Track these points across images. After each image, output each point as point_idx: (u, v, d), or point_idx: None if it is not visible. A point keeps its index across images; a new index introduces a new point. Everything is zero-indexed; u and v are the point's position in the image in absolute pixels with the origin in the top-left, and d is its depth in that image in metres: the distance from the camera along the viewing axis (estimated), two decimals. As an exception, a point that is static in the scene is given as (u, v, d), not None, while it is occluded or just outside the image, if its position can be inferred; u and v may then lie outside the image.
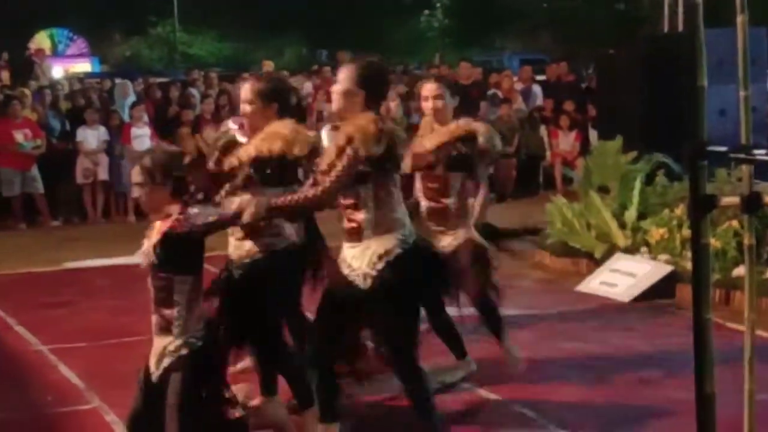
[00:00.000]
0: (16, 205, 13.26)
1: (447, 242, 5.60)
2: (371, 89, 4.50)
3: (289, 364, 4.98)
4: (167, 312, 4.16)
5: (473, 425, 5.32)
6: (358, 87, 4.46)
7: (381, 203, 4.43)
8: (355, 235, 4.46)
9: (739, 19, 2.68)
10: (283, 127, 4.89)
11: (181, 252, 4.15)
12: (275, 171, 4.83)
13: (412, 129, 6.12)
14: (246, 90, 5.03)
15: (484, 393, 5.66)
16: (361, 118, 4.40)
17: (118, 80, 17.68)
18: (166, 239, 4.12)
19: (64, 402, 5.77)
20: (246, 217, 4.24)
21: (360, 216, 4.43)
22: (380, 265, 4.40)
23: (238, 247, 4.92)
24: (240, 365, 5.52)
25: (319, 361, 4.63)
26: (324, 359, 4.63)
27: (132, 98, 14.86)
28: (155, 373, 4.17)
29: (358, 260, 4.44)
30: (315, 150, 4.92)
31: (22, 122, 13.36)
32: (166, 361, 4.15)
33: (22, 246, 11.74)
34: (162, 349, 4.16)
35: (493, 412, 5.43)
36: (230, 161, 4.98)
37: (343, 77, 4.52)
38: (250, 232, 4.78)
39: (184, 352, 4.13)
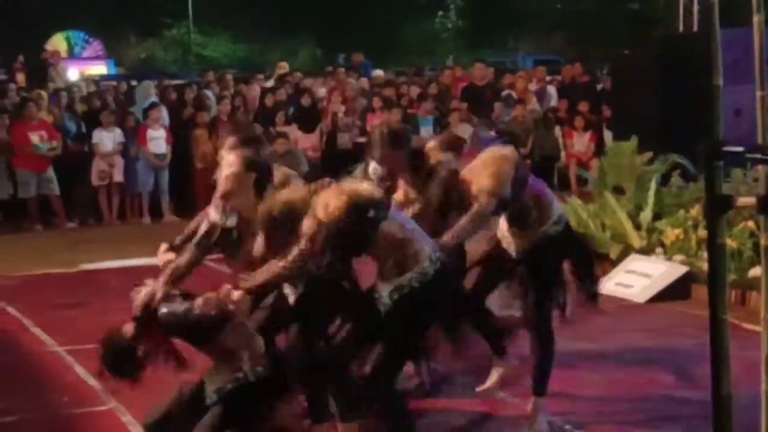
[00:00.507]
0: (32, 207, 13.31)
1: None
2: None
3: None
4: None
5: (488, 426, 5.32)
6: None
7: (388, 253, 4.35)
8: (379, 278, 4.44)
9: (756, 18, 2.67)
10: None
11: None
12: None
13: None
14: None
15: (497, 394, 5.65)
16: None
17: (136, 82, 17.73)
18: None
19: (80, 403, 5.79)
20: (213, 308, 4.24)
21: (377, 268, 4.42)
22: (395, 296, 4.34)
23: None
24: None
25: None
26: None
27: (154, 99, 14.91)
28: (210, 396, 4.24)
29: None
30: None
31: (37, 124, 13.42)
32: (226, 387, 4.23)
33: (38, 247, 11.79)
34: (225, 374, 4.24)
35: (508, 412, 5.42)
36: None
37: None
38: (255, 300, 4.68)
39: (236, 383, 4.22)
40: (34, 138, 13.24)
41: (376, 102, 14.25)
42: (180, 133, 14.15)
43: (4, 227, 13.24)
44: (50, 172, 13.37)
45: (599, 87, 16.46)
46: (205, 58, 38.17)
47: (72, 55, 34.38)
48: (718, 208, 2.59)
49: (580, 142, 14.81)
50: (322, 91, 15.95)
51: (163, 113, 14.54)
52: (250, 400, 4.25)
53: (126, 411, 5.51)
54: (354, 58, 20.95)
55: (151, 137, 13.73)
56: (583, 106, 15.10)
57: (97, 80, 20.19)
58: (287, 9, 37.37)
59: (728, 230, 7.23)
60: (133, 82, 17.94)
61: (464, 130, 10.25)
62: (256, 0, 37.73)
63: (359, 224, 4.25)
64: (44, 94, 14.79)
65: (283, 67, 18.63)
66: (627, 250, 8.78)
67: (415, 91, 15.34)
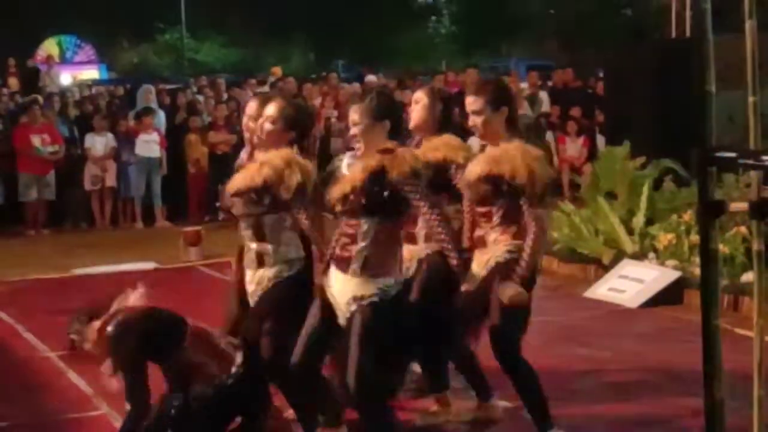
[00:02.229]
0: (30, 211, 13.30)
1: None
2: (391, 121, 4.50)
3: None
4: None
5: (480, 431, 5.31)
6: (376, 120, 4.44)
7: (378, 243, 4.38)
8: (344, 264, 4.44)
9: (748, 24, 2.67)
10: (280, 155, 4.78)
11: None
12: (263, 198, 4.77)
13: None
14: (271, 108, 4.91)
15: (493, 399, 5.64)
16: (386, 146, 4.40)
17: (129, 87, 17.72)
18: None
19: (72, 408, 5.77)
20: None
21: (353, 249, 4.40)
22: (353, 307, 4.38)
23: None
24: None
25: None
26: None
27: (154, 104, 14.90)
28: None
29: (339, 295, 4.45)
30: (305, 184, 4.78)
31: (41, 127, 13.42)
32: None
33: (30, 252, 11.76)
34: None
35: (501, 418, 5.42)
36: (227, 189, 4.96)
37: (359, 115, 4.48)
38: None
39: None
40: (36, 141, 13.23)
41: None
42: (172, 137, 14.15)
43: (-4, 232, 13.23)
44: (50, 177, 13.38)
45: (591, 92, 16.49)
46: (198, 62, 38.19)
47: (64, 60, 34.38)
48: (710, 213, 2.59)
49: (573, 147, 14.84)
50: (316, 96, 15.93)
51: (161, 117, 14.55)
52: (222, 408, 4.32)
53: (118, 416, 5.48)
54: (365, 72, 20.93)
55: (144, 141, 13.73)
56: (575, 112, 15.13)
57: (89, 85, 20.18)
58: (280, 14, 37.41)
59: (721, 236, 7.26)
60: (126, 87, 17.93)
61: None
62: (249, 5, 37.74)
63: None
64: (41, 98, 14.80)
65: (277, 72, 18.62)
66: (619, 255, 8.79)
67: (407, 96, 15.34)
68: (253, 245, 4.84)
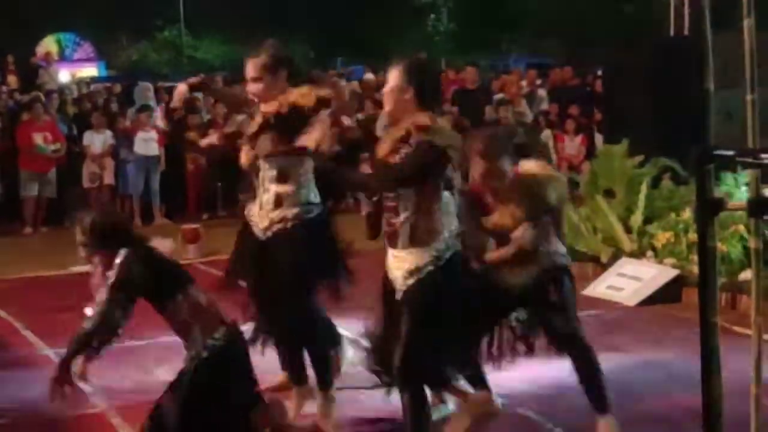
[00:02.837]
0: (28, 208, 13.30)
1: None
2: (422, 85, 4.34)
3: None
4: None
5: (479, 429, 5.31)
6: (408, 84, 4.32)
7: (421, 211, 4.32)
8: (394, 239, 4.40)
9: (746, 22, 2.67)
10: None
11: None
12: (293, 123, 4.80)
13: None
14: (250, 69, 5.00)
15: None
16: (421, 116, 4.28)
17: (128, 84, 17.72)
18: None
19: (70, 407, 5.77)
20: None
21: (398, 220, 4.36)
22: (410, 281, 4.34)
23: None
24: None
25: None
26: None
27: (153, 102, 14.91)
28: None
29: (395, 270, 4.40)
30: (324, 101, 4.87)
31: (43, 125, 13.41)
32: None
33: (29, 250, 11.76)
34: None
35: (498, 415, 5.41)
36: (252, 125, 5.00)
37: (392, 75, 4.40)
38: None
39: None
40: (38, 139, 13.23)
41: (368, 105, 14.27)
42: (171, 135, 14.16)
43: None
44: (51, 175, 13.38)
45: (590, 90, 16.49)
46: (197, 60, 38.14)
47: (63, 57, 34.32)
48: (708, 211, 2.59)
49: (571, 146, 14.83)
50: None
51: (159, 115, 14.56)
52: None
53: (117, 413, 5.50)
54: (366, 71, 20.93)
55: (142, 139, 13.73)
56: (574, 110, 15.13)
57: (88, 82, 20.17)
58: (280, 11, 37.37)
59: (719, 234, 7.25)
60: (124, 84, 17.92)
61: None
62: (248, 2, 37.71)
63: None
64: (42, 95, 14.81)
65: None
66: (618, 254, 8.80)
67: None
68: (273, 186, 4.88)
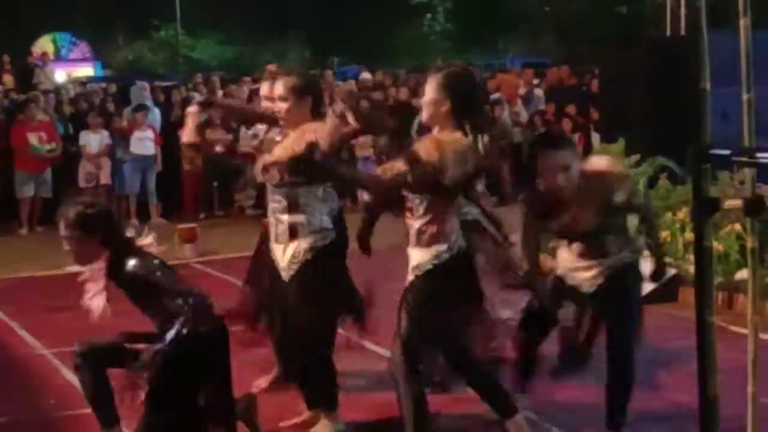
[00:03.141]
0: (24, 209, 13.29)
1: None
2: (459, 98, 4.43)
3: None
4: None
5: (474, 427, 5.31)
6: (445, 96, 4.43)
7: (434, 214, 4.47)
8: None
9: (742, 22, 2.68)
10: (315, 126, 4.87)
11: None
12: (306, 169, 4.82)
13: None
14: (279, 87, 5.01)
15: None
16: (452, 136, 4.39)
17: (123, 84, 17.70)
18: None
19: (67, 406, 5.76)
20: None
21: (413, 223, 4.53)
22: (411, 277, 4.52)
23: None
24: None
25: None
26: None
27: (149, 101, 14.90)
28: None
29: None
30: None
31: (38, 125, 13.40)
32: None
33: (25, 249, 11.75)
34: None
35: (495, 415, 5.42)
36: (264, 158, 5.03)
37: (430, 87, 4.50)
38: None
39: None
40: (33, 139, 13.21)
41: (363, 104, 14.24)
42: (167, 135, 14.14)
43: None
44: (47, 175, 13.37)
45: (586, 89, 16.49)
46: (193, 60, 38.12)
47: (58, 57, 34.33)
48: (704, 210, 2.60)
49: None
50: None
51: (157, 115, 14.54)
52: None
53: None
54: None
55: (138, 138, 13.72)
56: (570, 109, 15.12)
57: (84, 82, 20.15)
58: (276, 11, 37.37)
59: (715, 233, 7.26)
60: (119, 84, 17.90)
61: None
62: (245, 2, 37.70)
63: None
64: (40, 95, 14.80)
65: (272, 70, 18.55)
66: (614, 253, 8.78)
67: (403, 93, 15.34)
68: (285, 217, 4.91)
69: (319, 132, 4.74)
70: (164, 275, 4.35)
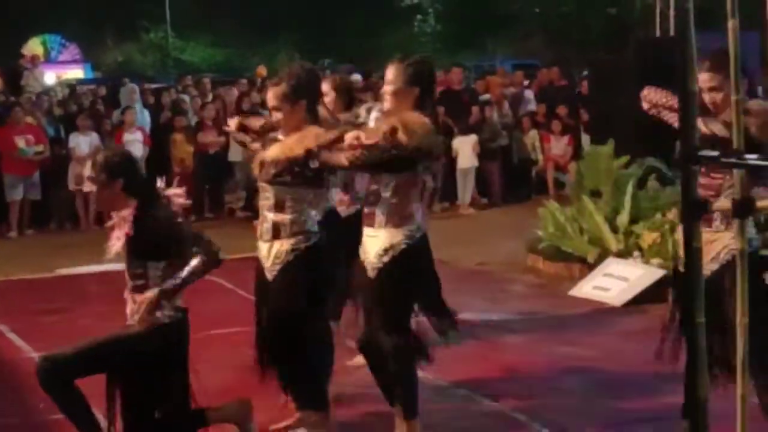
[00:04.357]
0: (13, 211, 13.25)
1: None
2: (424, 86, 4.72)
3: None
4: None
5: (466, 430, 5.32)
6: (410, 85, 4.67)
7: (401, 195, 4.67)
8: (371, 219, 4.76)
9: (730, 23, 2.69)
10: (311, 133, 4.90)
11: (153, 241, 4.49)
12: (299, 173, 4.87)
13: None
14: (270, 98, 5.04)
15: (478, 398, 5.66)
16: (414, 114, 4.61)
17: (113, 86, 17.68)
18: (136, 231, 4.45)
19: (56, 410, 5.72)
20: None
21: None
22: (386, 258, 4.68)
23: None
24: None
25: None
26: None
27: (138, 103, 14.87)
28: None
29: (370, 249, 4.75)
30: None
31: (24, 128, 13.36)
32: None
33: (15, 252, 11.71)
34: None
35: (486, 417, 5.43)
36: (258, 157, 5.05)
37: (393, 76, 4.71)
38: None
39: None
40: (20, 142, 13.18)
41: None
42: (157, 137, 14.12)
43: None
44: (35, 177, 13.35)
45: (577, 91, 16.51)
46: (183, 62, 38.03)
47: (48, 59, 34.20)
48: (694, 212, 2.60)
49: (558, 146, 14.85)
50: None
51: (146, 116, 14.51)
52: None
53: (102, 418, 5.47)
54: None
55: (127, 140, 13.69)
56: (561, 110, 15.14)
57: (74, 84, 20.10)
58: (266, 13, 37.31)
59: (705, 234, 7.25)
60: (108, 86, 17.86)
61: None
62: (235, 4, 37.64)
63: None
64: (31, 97, 14.77)
65: (261, 72, 18.58)
66: (604, 254, 8.81)
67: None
68: (270, 215, 4.94)
69: (320, 139, 4.77)
70: (183, 232, 4.57)
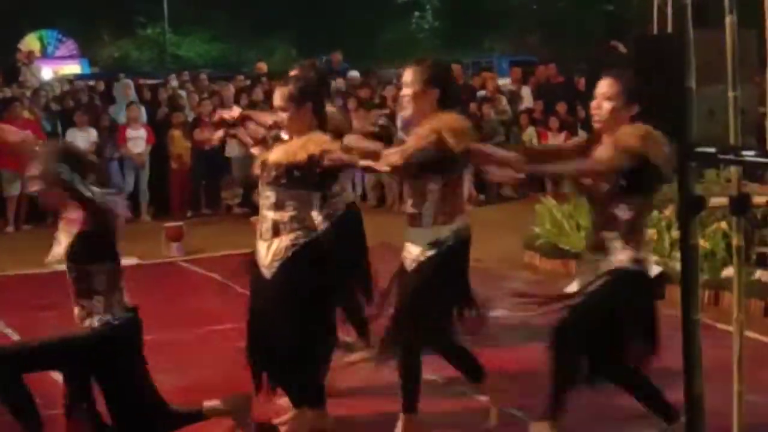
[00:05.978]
0: (11, 207, 13.24)
1: None
2: (444, 88, 4.73)
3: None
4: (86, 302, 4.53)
5: (465, 428, 5.32)
6: (431, 86, 4.68)
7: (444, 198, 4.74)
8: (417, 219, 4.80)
9: (728, 20, 2.68)
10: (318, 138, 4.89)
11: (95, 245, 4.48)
12: (302, 175, 4.86)
13: None
14: (276, 98, 5.02)
15: (474, 395, 5.65)
16: (447, 116, 4.64)
17: (110, 81, 17.64)
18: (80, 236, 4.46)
19: (52, 405, 5.73)
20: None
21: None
22: (430, 252, 4.72)
23: None
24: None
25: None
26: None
27: (133, 98, 14.84)
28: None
29: (414, 244, 4.79)
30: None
31: (22, 123, 13.33)
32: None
33: (11, 248, 11.70)
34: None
35: (482, 414, 5.42)
36: (261, 158, 5.05)
37: (411, 80, 4.71)
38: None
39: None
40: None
41: (352, 103, 14.23)
42: (154, 133, 14.11)
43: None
44: None
45: (574, 87, 16.50)
46: (180, 57, 38.00)
47: (45, 55, 34.15)
48: (690, 208, 2.60)
49: (555, 143, 14.83)
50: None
51: (142, 112, 14.50)
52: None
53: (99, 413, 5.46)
54: (333, 57, 20.88)
55: (130, 137, 13.69)
56: (560, 107, 15.14)
57: (71, 79, 20.06)
58: (263, 9, 37.28)
59: (701, 231, 7.28)
60: (105, 81, 17.83)
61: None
62: (231, 0, 37.61)
63: None
64: (28, 93, 14.74)
65: (262, 67, 18.56)
66: (601, 251, 8.79)
67: (390, 91, 15.33)
68: (270, 214, 4.91)
69: (325, 146, 4.77)
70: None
